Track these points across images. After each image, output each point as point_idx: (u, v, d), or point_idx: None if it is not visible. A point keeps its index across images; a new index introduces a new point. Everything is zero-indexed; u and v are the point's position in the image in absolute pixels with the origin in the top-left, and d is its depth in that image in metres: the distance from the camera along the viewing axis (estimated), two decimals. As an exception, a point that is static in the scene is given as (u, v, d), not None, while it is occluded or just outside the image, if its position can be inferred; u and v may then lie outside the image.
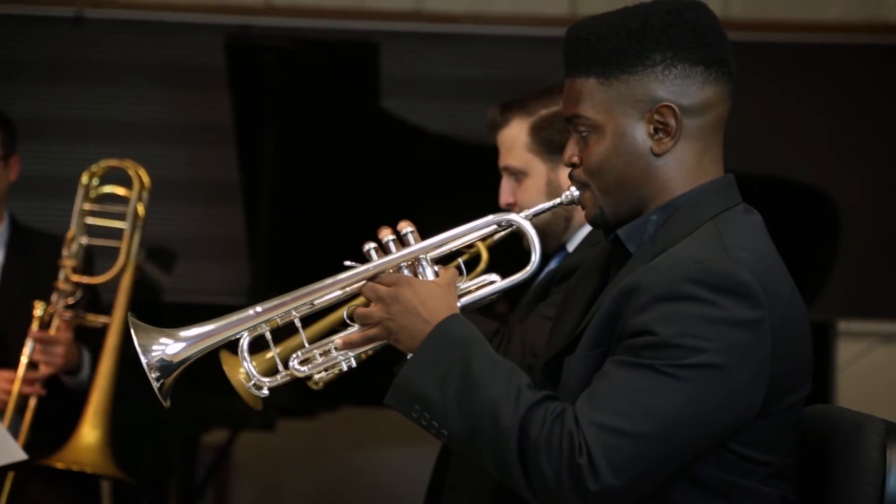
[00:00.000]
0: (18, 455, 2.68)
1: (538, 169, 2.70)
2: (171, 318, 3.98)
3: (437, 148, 4.46)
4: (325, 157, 4.42)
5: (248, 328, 2.01)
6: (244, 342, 2.02)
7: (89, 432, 3.17)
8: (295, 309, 2.02)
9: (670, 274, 1.85)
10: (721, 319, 1.82)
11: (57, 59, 5.24)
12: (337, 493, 5.31)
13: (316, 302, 2.02)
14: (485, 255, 2.60)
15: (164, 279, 4.67)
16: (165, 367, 1.99)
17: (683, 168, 1.96)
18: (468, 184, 3.78)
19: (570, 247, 2.70)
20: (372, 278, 2.01)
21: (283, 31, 5.23)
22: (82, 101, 5.22)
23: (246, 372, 2.02)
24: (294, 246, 4.40)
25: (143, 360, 1.98)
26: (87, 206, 3.40)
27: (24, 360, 3.21)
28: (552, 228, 2.65)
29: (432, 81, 5.35)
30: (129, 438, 3.66)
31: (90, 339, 3.33)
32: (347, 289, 2.02)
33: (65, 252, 3.32)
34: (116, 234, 3.40)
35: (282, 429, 4.15)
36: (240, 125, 4.41)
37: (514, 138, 2.72)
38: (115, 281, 3.37)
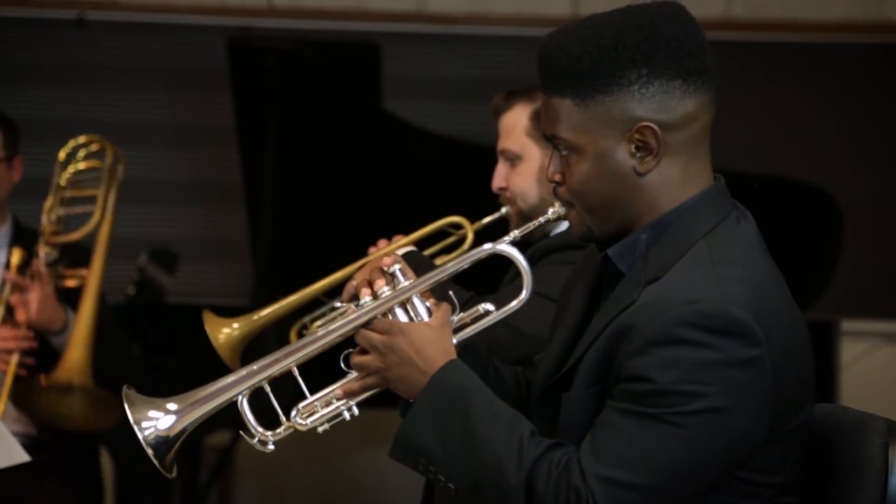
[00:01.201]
0: (21, 457, 2.67)
1: (534, 154, 2.71)
2: (174, 320, 4.05)
3: (439, 149, 4.46)
4: (327, 159, 4.42)
5: (245, 389, 1.97)
6: (243, 403, 1.97)
7: (74, 352, 3.21)
8: (292, 363, 1.98)
9: (664, 316, 1.80)
10: (719, 362, 1.79)
11: (59, 60, 5.24)
12: (339, 495, 5.32)
13: (312, 353, 1.99)
14: (471, 236, 2.71)
15: (167, 281, 4.67)
16: (162, 442, 1.93)
17: (670, 183, 1.90)
18: (469, 184, 3.65)
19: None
20: (366, 324, 1.97)
21: (284, 32, 5.21)
22: (84, 103, 5.22)
23: (252, 430, 1.98)
24: (296, 247, 4.40)
25: (141, 437, 1.93)
26: (63, 182, 3.48)
27: None
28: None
29: (434, 82, 5.35)
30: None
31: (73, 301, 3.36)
32: (342, 337, 1.99)
33: (43, 220, 3.39)
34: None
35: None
36: (241, 127, 4.41)
37: (515, 122, 2.73)
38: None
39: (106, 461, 3.65)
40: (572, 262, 2.22)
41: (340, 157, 4.41)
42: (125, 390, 1.94)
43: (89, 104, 5.23)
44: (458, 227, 2.90)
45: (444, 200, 4.36)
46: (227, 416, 2.88)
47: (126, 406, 1.92)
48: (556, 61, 1.90)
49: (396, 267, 2.00)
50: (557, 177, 1.95)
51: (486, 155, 3.05)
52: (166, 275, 4.67)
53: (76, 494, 3.25)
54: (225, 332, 2.65)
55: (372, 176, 4.42)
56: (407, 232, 2.94)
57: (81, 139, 3.58)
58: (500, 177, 2.75)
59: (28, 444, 3.02)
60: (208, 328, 2.56)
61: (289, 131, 4.31)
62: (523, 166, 2.72)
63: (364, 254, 2.94)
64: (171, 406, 1.93)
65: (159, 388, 2.01)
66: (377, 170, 4.41)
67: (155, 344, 3.97)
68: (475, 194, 3.09)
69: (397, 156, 4.42)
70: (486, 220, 2.85)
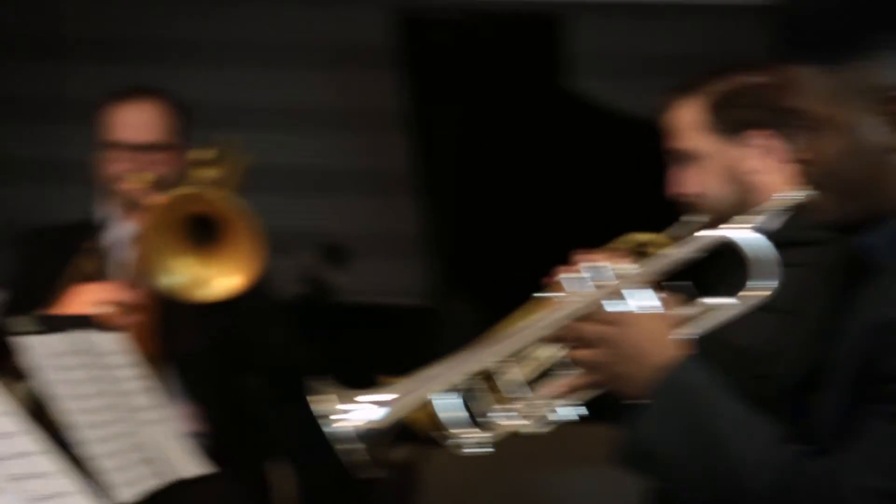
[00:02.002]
0: (201, 467, 2.50)
1: (716, 152, 2.57)
2: (345, 319, 3.91)
3: (628, 131, 4.20)
4: (505, 144, 4.26)
5: (445, 385, 1.89)
6: (440, 402, 1.90)
7: None
8: (497, 358, 1.92)
9: None
10: None
11: (219, 39, 5.13)
12: None
13: (520, 348, 1.93)
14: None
15: (337, 278, 4.54)
16: (357, 437, 1.87)
17: None
18: (661, 167, 3.70)
19: None
20: (586, 317, 1.89)
21: (458, 5, 4.99)
22: (242, 85, 5.11)
23: (451, 431, 1.91)
24: (473, 240, 4.27)
25: (328, 432, 1.86)
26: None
27: None
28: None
29: (621, 58, 5.11)
30: (314, 449, 3.55)
31: None
32: (556, 331, 1.90)
33: None
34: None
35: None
36: (412, 109, 4.26)
37: (688, 119, 2.59)
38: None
39: (287, 474, 3.56)
40: (797, 262, 2.07)
41: (519, 141, 4.25)
42: (311, 383, 1.88)
43: (246, 86, 5.12)
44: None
45: (634, 186, 4.15)
46: (412, 430, 2.68)
47: (312, 399, 1.87)
48: (805, 22, 1.80)
49: (604, 260, 1.93)
50: (804, 155, 1.83)
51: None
52: (336, 271, 4.54)
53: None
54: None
55: (554, 161, 4.25)
56: (593, 224, 2.74)
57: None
58: (680, 181, 2.60)
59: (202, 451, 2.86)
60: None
61: (463, 113, 4.16)
62: (705, 166, 2.57)
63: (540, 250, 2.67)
64: (367, 399, 1.87)
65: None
66: (560, 155, 4.24)
67: (323, 343, 3.78)
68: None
69: (582, 140, 4.24)
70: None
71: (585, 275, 1.90)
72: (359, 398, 1.85)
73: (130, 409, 2.33)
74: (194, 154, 3.40)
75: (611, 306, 1.88)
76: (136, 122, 3.28)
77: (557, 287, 1.92)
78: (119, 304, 3.02)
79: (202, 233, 3.11)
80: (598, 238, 2.50)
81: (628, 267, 1.92)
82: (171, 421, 2.47)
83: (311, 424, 3.57)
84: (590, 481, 5.07)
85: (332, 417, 1.85)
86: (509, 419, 1.90)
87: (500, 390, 2.02)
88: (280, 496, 3.49)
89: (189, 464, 2.43)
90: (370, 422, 1.85)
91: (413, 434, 3.63)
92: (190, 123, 3.40)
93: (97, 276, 3.13)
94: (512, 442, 2.38)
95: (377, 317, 3.96)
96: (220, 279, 3.08)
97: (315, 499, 3.74)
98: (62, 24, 5.02)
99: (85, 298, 3.01)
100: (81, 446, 2.13)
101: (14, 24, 4.99)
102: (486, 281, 4.26)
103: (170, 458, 2.34)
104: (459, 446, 1.90)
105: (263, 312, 3.25)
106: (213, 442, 3.18)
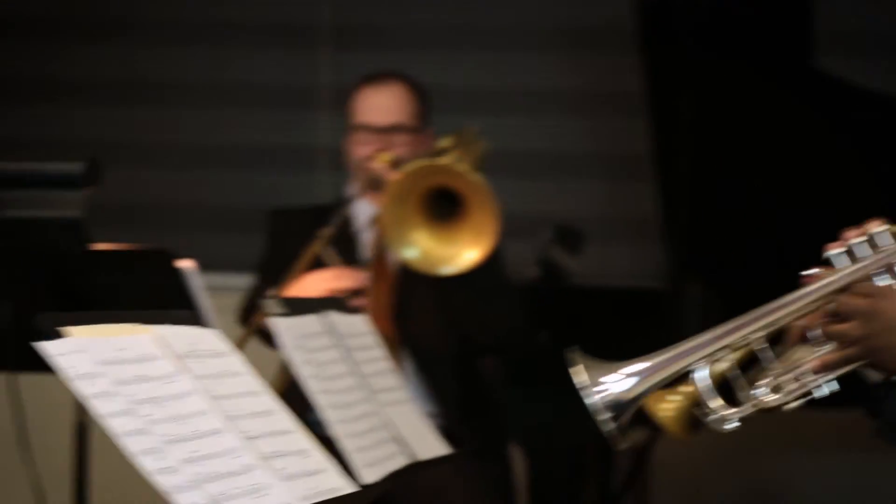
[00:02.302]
0: (441, 449, 2.53)
1: None
2: (582, 303, 3.87)
3: (882, 112, 4.06)
4: (750, 126, 4.13)
5: (702, 358, 1.87)
6: (700, 375, 1.88)
7: None
8: (755, 332, 1.88)
9: None
10: None
11: (449, 24, 5.11)
12: (769, 502, 5.02)
13: (779, 322, 1.89)
14: None
15: (571, 262, 4.49)
16: (614, 407, 1.87)
17: None
18: None
19: None
20: (843, 290, 1.86)
21: None
22: (479, 69, 5.08)
23: (710, 407, 1.90)
24: (714, 225, 4.14)
25: (590, 402, 1.86)
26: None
27: None
28: None
29: (880, 36, 4.89)
30: (546, 434, 3.53)
31: None
32: (814, 305, 1.88)
33: None
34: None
35: (709, 430, 3.85)
36: (653, 90, 4.17)
37: None
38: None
39: (518, 459, 3.48)
40: None
41: (766, 123, 4.11)
42: (571, 353, 1.90)
43: (480, 69, 5.08)
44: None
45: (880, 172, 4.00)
46: (645, 413, 2.64)
47: (576, 369, 1.88)
48: None
49: (880, 229, 1.89)
50: None
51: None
52: (571, 255, 4.49)
53: (487, 490, 3.17)
54: (668, 406, 2.44)
55: (803, 144, 4.10)
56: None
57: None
58: None
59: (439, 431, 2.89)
60: (647, 404, 2.31)
61: (706, 94, 4.03)
62: None
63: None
64: (627, 370, 1.89)
65: (568, 375, 1.92)
66: (809, 137, 4.09)
67: (560, 328, 3.75)
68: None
69: (834, 122, 4.09)
70: None
71: (858, 249, 1.87)
72: (619, 369, 1.87)
73: (373, 390, 2.36)
74: (435, 140, 3.45)
75: (879, 278, 1.86)
76: (380, 105, 3.33)
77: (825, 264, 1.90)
78: (348, 290, 3.09)
79: (443, 206, 3.14)
80: (840, 225, 2.42)
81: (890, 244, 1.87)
82: (413, 402, 2.50)
83: (546, 407, 3.57)
84: (818, 468, 4.95)
85: (593, 388, 1.86)
86: (760, 395, 1.88)
87: (751, 366, 1.99)
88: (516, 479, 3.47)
89: (430, 445, 2.46)
90: (629, 390, 1.87)
91: (645, 418, 3.60)
92: (431, 107, 3.43)
93: (335, 258, 3.19)
94: (740, 428, 2.34)
95: (614, 300, 3.90)
96: (458, 253, 3.10)
97: (547, 482, 3.70)
98: (311, 14, 5.12)
99: (319, 287, 3.09)
100: (327, 427, 2.18)
101: (265, 16, 5.11)
102: (724, 264, 4.17)
103: (412, 439, 2.37)
104: (717, 421, 1.91)
105: (500, 294, 3.24)
106: (451, 423, 3.21)
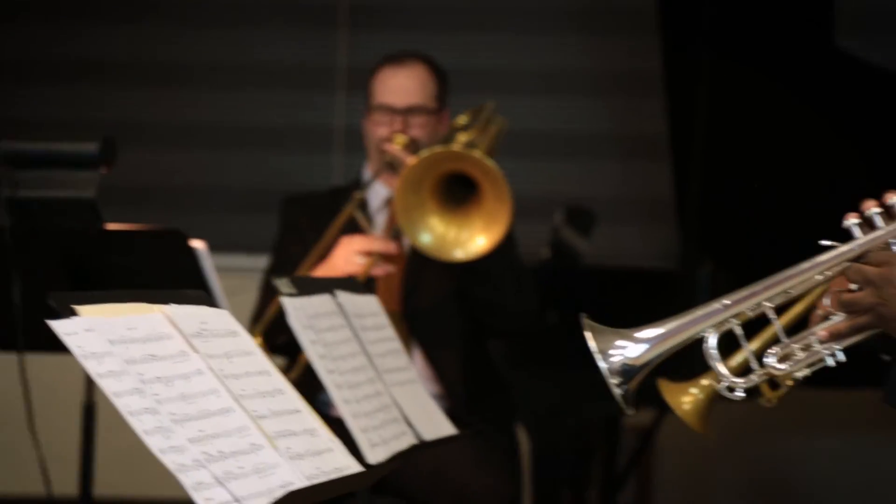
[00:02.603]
0: (447, 429, 2.55)
1: None
2: (593, 284, 3.87)
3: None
4: (767, 107, 4.11)
5: (714, 324, 1.89)
6: (711, 341, 1.89)
7: None
8: (767, 300, 1.88)
9: None
10: None
11: (467, 5, 5.13)
12: (773, 484, 5.03)
13: (792, 290, 1.90)
14: None
15: (583, 243, 4.49)
16: (627, 371, 1.89)
17: None
18: None
19: None
20: (857, 259, 1.87)
21: None
22: (496, 49, 5.09)
23: (715, 374, 1.90)
24: (729, 207, 4.13)
25: (603, 367, 1.87)
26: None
27: None
28: None
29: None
30: (552, 413, 3.54)
31: None
32: (828, 273, 1.88)
33: None
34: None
35: (715, 410, 3.85)
36: (670, 70, 4.17)
37: None
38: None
39: (524, 440, 3.50)
40: None
41: (784, 104, 4.09)
42: (585, 321, 1.93)
43: (494, 50, 5.09)
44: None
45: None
46: (650, 393, 2.66)
47: (587, 336, 1.91)
48: None
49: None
50: None
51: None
52: (582, 236, 4.48)
53: (493, 470, 3.15)
54: (688, 400, 2.46)
55: (820, 126, 4.08)
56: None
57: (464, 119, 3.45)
58: None
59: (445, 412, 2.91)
60: (668, 398, 2.46)
61: (724, 75, 4.01)
62: None
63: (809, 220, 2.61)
64: (638, 336, 1.91)
65: (576, 355, 1.97)
66: (826, 119, 4.07)
67: (570, 309, 3.74)
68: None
69: (852, 103, 4.07)
70: None
71: (875, 219, 1.88)
72: (630, 335, 1.90)
73: (381, 370, 2.38)
74: (452, 120, 3.46)
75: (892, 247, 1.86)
76: (400, 86, 3.33)
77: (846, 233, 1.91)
78: (381, 254, 3.12)
79: (456, 192, 3.15)
80: (854, 205, 2.43)
81: None
82: (419, 383, 2.52)
83: (552, 388, 3.58)
84: (822, 450, 4.94)
85: (604, 353, 1.88)
86: (770, 364, 1.89)
87: (761, 335, 2.01)
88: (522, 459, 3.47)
89: (437, 426, 2.48)
90: (641, 355, 1.88)
91: (650, 397, 3.62)
92: (449, 88, 3.45)
93: (366, 221, 3.22)
94: (744, 408, 2.35)
95: (625, 281, 3.89)
96: (471, 238, 3.11)
97: (552, 463, 3.71)
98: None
99: (351, 248, 3.12)
100: (335, 406, 2.20)
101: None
102: (737, 246, 4.16)
103: (418, 419, 2.39)
104: (726, 389, 1.91)
105: (515, 280, 3.26)
106: (458, 404, 3.22)
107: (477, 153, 3.10)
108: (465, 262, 3.14)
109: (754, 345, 1.96)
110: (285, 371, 2.86)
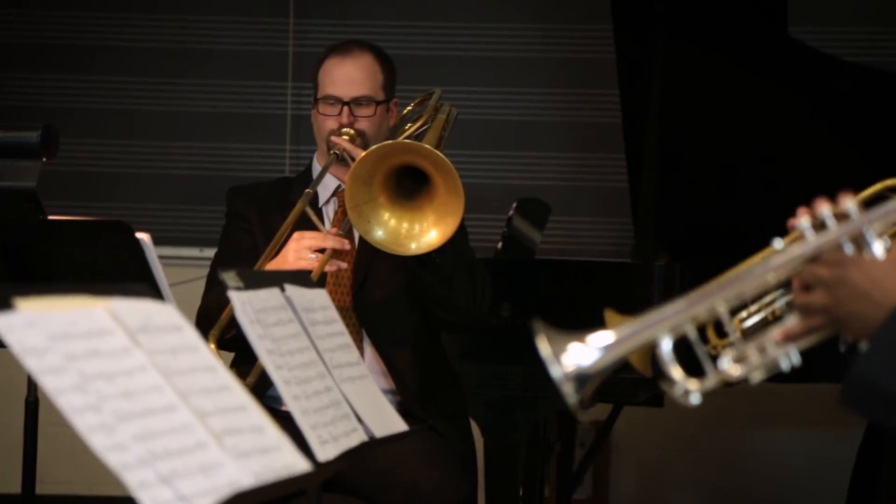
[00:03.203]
0: (399, 426, 2.53)
1: None
2: (544, 276, 3.86)
3: (856, 82, 4.10)
4: (721, 97, 4.15)
5: (668, 328, 1.86)
6: (665, 346, 1.86)
7: None
8: (721, 302, 1.87)
9: None
10: None
11: None
12: (728, 478, 5.07)
13: (746, 292, 1.90)
14: None
15: (537, 235, 4.48)
16: (581, 378, 1.85)
17: None
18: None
19: None
20: (810, 260, 1.86)
21: None
22: (447, 38, 5.08)
23: (671, 380, 1.86)
24: (684, 199, 4.16)
25: (556, 374, 1.84)
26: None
27: None
28: None
29: (848, 4, 4.92)
30: (505, 408, 3.53)
31: None
32: (782, 274, 1.87)
33: None
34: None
35: (670, 405, 3.85)
36: (623, 59, 4.18)
37: None
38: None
39: (477, 435, 3.50)
40: None
41: (737, 94, 4.13)
42: (537, 324, 1.87)
43: (448, 40, 5.10)
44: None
45: (863, 141, 4.01)
46: (608, 387, 2.66)
47: (540, 340, 1.86)
48: None
49: (849, 204, 1.88)
50: None
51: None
52: (536, 228, 4.47)
53: (445, 467, 3.13)
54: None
55: (773, 116, 4.13)
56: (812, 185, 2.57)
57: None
58: None
59: (397, 408, 2.88)
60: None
61: (677, 65, 4.01)
62: None
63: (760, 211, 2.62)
64: (592, 342, 1.87)
65: (530, 349, 1.91)
66: (781, 109, 4.11)
67: (524, 302, 3.74)
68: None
69: (805, 92, 4.11)
70: None
71: (827, 219, 1.87)
72: (587, 340, 1.86)
73: (331, 366, 2.36)
74: (401, 109, 3.45)
75: (847, 249, 1.85)
76: (347, 76, 3.32)
77: (795, 232, 1.89)
78: (331, 249, 3.09)
79: (408, 185, 3.13)
80: (811, 197, 2.43)
81: (855, 216, 1.86)
82: (370, 378, 2.50)
83: (506, 382, 3.56)
84: (778, 443, 4.97)
85: (558, 358, 1.84)
86: (724, 367, 1.87)
87: (714, 337, 2.00)
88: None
89: (388, 422, 2.46)
90: (595, 362, 1.85)
91: (605, 392, 3.63)
92: (397, 78, 3.43)
93: (317, 217, 3.20)
94: (710, 402, 2.36)
95: (580, 273, 3.88)
96: (424, 231, 3.10)
97: (506, 459, 3.71)
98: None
99: (303, 244, 3.09)
100: (284, 403, 2.18)
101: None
102: (693, 238, 4.17)
103: (369, 415, 2.37)
104: (681, 395, 1.87)
105: (469, 274, 3.24)
106: (410, 399, 3.21)
107: (427, 145, 3.08)
108: (417, 255, 3.12)
109: (709, 347, 1.95)
110: (242, 377, 2.83)
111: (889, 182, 2.63)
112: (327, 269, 3.11)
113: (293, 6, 5.05)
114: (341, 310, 3.25)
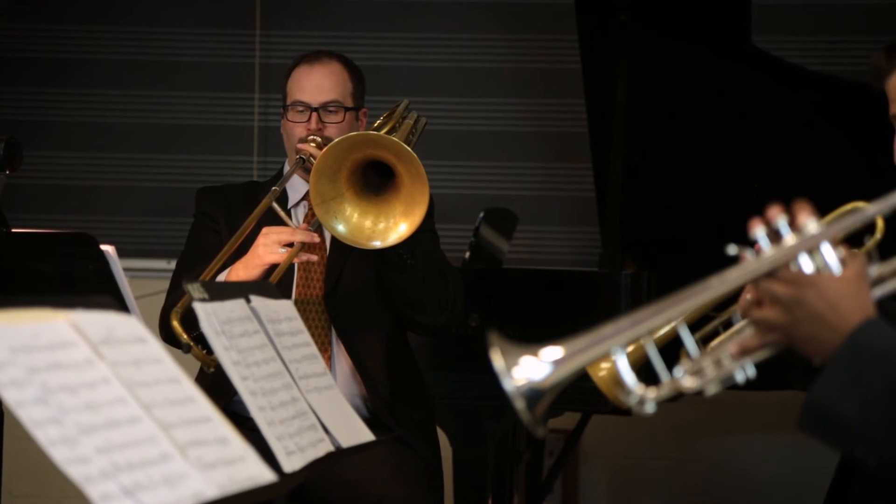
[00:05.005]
0: (365, 436, 2.53)
1: None
2: (512, 286, 3.87)
3: (819, 91, 4.12)
4: (688, 106, 4.16)
5: (625, 341, 1.83)
6: (621, 362, 1.84)
7: None
8: (676, 316, 1.85)
9: None
10: None
11: (384, 2, 5.12)
12: (699, 486, 5.07)
13: (700, 306, 1.90)
14: (880, 223, 2.34)
15: (504, 244, 4.48)
16: (533, 394, 1.81)
17: None
18: (856, 131, 3.57)
19: None
20: (767, 275, 1.83)
21: None
22: (407, 49, 5.08)
23: (628, 387, 1.84)
24: (651, 207, 4.17)
25: (509, 388, 1.80)
26: None
27: None
28: None
29: (807, 12, 4.93)
30: (474, 418, 3.53)
31: None
32: (737, 289, 1.86)
33: None
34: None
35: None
36: (589, 70, 4.19)
37: None
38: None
39: (445, 445, 3.49)
40: None
41: (703, 103, 4.14)
42: (493, 336, 1.84)
43: (413, 49, 5.09)
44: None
45: (826, 149, 4.02)
46: (576, 396, 2.66)
47: (494, 353, 1.82)
48: None
49: (806, 217, 1.85)
50: None
51: (878, 98, 2.64)
52: (503, 237, 4.47)
53: (411, 478, 3.13)
54: (606, 367, 2.45)
55: (739, 124, 4.14)
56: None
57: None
58: None
59: (364, 418, 2.87)
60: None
61: (643, 74, 4.03)
62: None
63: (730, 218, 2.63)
64: (545, 356, 1.83)
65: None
66: (746, 116, 4.12)
67: (492, 312, 3.74)
68: (864, 141, 2.92)
69: (770, 101, 4.11)
70: None
71: (782, 230, 1.84)
72: (540, 354, 1.82)
73: (297, 376, 2.35)
74: (371, 122, 3.44)
75: (803, 264, 1.82)
76: (315, 83, 3.32)
77: (754, 244, 1.86)
78: (301, 243, 3.09)
79: (374, 181, 3.13)
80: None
81: (813, 228, 1.83)
82: (336, 389, 2.50)
83: (474, 392, 3.56)
84: (748, 450, 4.98)
85: (512, 373, 1.80)
86: (679, 378, 1.85)
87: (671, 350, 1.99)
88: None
89: (355, 432, 2.46)
90: (546, 377, 1.80)
91: (573, 401, 3.61)
92: (365, 87, 3.43)
93: (284, 213, 3.20)
94: (668, 411, 2.36)
95: (547, 283, 3.88)
96: (393, 225, 3.10)
97: (474, 468, 3.71)
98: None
99: (272, 238, 3.09)
100: (249, 414, 2.17)
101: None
102: (660, 247, 4.18)
103: (336, 426, 2.37)
104: (636, 404, 1.85)
105: (441, 275, 3.25)
106: (379, 407, 3.21)
107: (390, 138, 3.08)
108: (387, 252, 3.13)
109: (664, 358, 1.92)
110: (210, 363, 2.83)
111: (856, 205, 2.67)
112: (296, 260, 3.12)
113: (259, 17, 5.04)
114: (312, 303, 3.27)
